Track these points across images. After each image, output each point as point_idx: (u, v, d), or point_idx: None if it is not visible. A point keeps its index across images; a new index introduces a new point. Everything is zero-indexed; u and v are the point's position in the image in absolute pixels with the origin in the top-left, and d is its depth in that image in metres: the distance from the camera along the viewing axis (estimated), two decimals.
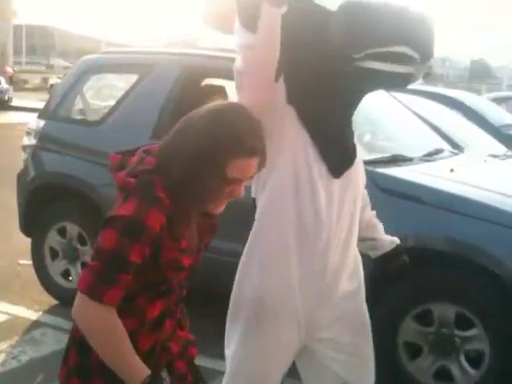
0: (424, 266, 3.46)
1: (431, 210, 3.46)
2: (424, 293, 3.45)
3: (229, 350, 2.35)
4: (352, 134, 2.35)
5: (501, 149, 6.11)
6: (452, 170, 3.89)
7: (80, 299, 1.60)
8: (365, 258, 2.51)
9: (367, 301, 2.55)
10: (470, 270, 3.36)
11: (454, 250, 3.41)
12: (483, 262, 3.31)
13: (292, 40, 2.05)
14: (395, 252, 2.54)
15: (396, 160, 3.88)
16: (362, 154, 3.82)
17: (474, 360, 3.40)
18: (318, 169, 2.19)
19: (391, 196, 3.53)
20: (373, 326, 3.02)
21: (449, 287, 3.41)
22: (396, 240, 2.56)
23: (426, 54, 2.21)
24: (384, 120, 4.69)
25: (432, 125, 5.18)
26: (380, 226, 2.56)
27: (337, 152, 2.22)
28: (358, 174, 2.34)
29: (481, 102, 9.12)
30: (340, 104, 2.23)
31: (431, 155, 4.28)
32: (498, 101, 11.32)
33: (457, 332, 3.39)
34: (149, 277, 1.67)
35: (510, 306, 3.27)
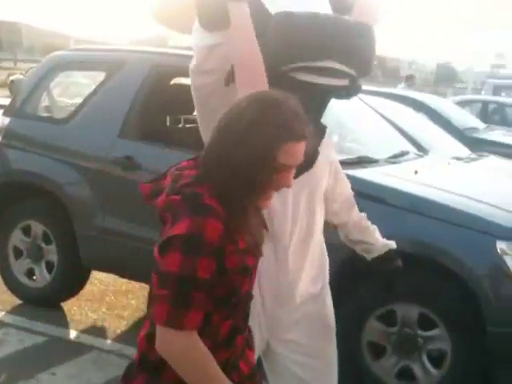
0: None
1: (395, 211, 3.50)
2: (388, 293, 3.49)
3: None
4: (318, 136, 2.34)
5: (464, 151, 6.21)
6: (416, 172, 3.94)
7: (161, 332, 1.55)
8: (329, 257, 2.53)
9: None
10: (434, 272, 3.42)
11: (417, 252, 3.45)
12: (446, 264, 3.36)
13: None
14: (387, 256, 2.55)
15: (362, 161, 3.92)
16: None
17: (436, 360, 3.46)
18: None
19: (357, 197, 3.56)
20: (337, 325, 3.03)
21: (413, 288, 3.46)
22: (390, 244, 2.57)
23: (361, 68, 2.21)
24: (351, 122, 4.74)
25: (398, 127, 5.25)
26: (373, 229, 2.56)
27: None
28: (318, 169, 2.32)
29: (446, 105, 9.27)
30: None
31: (396, 157, 4.34)
32: (463, 104, 11.51)
33: (419, 332, 3.44)
34: (219, 290, 1.63)
35: (472, 306, 3.33)
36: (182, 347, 1.55)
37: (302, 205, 2.29)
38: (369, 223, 2.56)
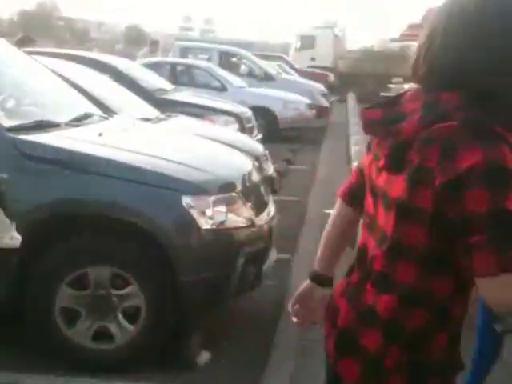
0: (78, 231, 3.48)
1: (80, 174, 3.47)
2: (80, 257, 3.47)
3: None
4: None
5: (153, 112, 6.38)
6: (100, 134, 3.93)
7: (492, 284, 1.31)
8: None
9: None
10: (124, 231, 3.46)
11: (106, 213, 3.48)
12: (136, 222, 3.43)
13: None
14: None
15: (41, 126, 3.79)
16: (3, 121, 3.66)
17: (133, 316, 3.53)
18: None
19: (38, 163, 3.45)
20: (28, 294, 2.93)
21: (103, 249, 3.48)
22: None
23: None
24: (29, 85, 4.52)
25: (82, 89, 5.16)
26: None
27: None
28: None
29: (134, 68, 9.35)
30: None
31: (80, 120, 4.27)
32: (152, 66, 11.72)
33: (113, 292, 3.48)
34: None
35: (163, 261, 3.45)
36: None
37: None
38: None
